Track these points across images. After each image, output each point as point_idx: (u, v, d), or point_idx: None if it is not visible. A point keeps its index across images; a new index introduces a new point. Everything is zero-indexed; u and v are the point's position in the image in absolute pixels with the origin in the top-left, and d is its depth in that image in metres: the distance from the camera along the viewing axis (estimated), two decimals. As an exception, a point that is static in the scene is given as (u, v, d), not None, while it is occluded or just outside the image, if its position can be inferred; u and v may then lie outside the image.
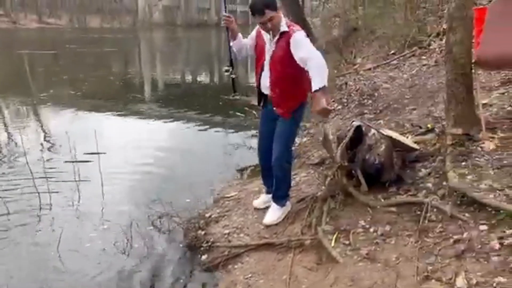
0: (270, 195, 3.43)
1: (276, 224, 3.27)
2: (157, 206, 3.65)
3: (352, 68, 7.58)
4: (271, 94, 3.07)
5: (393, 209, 2.86)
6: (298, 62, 2.78)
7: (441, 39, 6.68)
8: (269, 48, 2.99)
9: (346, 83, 6.54)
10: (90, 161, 4.89)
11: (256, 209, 3.56)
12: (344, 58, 8.50)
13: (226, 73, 3.29)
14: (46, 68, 14.76)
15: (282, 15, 2.90)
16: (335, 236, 2.85)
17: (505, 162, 2.81)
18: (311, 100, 2.71)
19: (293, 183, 3.54)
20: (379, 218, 2.85)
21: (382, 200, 2.98)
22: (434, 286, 2.18)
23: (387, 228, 2.74)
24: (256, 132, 6.54)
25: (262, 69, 3.08)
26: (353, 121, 3.19)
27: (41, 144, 5.79)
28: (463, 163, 2.87)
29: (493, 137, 3.03)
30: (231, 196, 3.99)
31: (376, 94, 5.67)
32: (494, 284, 2.03)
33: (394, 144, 3.05)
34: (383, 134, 3.04)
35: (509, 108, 3.58)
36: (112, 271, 3.03)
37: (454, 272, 2.20)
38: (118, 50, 21.50)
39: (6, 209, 3.84)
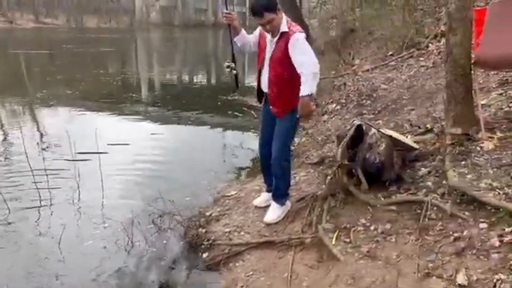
0: (271, 194, 3.45)
1: (277, 223, 3.29)
2: (157, 205, 3.65)
3: (350, 69, 7.62)
4: (268, 92, 3.11)
5: (394, 207, 2.88)
6: (294, 63, 2.83)
7: (438, 41, 6.74)
8: (269, 48, 3.02)
9: (344, 84, 6.58)
10: (90, 160, 4.88)
11: (256, 207, 3.58)
12: (342, 58, 8.54)
13: (227, 69, 3.28)
14: (43, 68, 14.70)
15: (283, 16, 2.92)
16: (335, 234, 2.87)
17: (503, 161, 2.84)
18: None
19: (292, 182, 3.56)
20: (379, 216, 2.88)
21: (383, 199, 3.01)
22: (435, 283, 2.21)
23: (388, 226, 2.76)
24: (255, 132, 6.60)
25: (262, 67, 3.12)
26: (353, 120, 3.21)
27: (41, 143, 5.78)
28: (463, 163, 2.90)
29: (492, 137, 3.06)
30: (231, 195, 4.00)
31: (374, 94, 5.71)
32: (494, 281, 2.05)
33: (394, 143, 3.08)
34: (383, 133, 3.06)
35: (507, 109, 3.61)
36: (114, 269, 3.04)
37: (454, 269, 2.22)
38: (116, 50, 21.46)
39: (7, 207, 3.84)
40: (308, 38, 3.00)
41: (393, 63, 6.99)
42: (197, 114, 8.02)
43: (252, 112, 7.86)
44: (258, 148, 3.52)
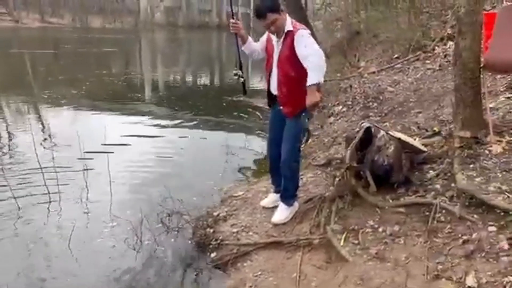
0: (278, 195, 3.48)
1: (284, 223, 3.31)
2: (165, 204, 3.68)
3: (356, 71, 7.62)
4: (278, 93, 3.14)
5: (402, 209, 2.90)
6: (300, 58, 2.86)
7: (445, 44, 6.74)
8: (276, 50, 3.06)
9: (350, 86, 6.58)
10: (98, 159, 4.92)
11: (264, 208, 3.60)
12: (348, 61, 8.55)
13: (235, 77, 3.35)
14: (48, 67, 14.79)
15: (286, 17, 2.97)
16: (344, 235, 2.89)
17: (512, 165, 2.85)
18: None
19: (300, 183, 3.58)
20: (387, 218, 2.89)
21: (391, 201, 3.02)
22: (444, 285, 2.22)
23: (396, 228, 2.78)
24: (260, 133, 6.62)
25: (271, 71, 3.15)
26: (362, 123, 3.23)
27: (48, 142, 5.82)
28: (471, 166, 2.92)
29: (500, 141, 3.07)
30: (238, 196, 4.02)
31: (381, 97, 5.71)
32: (504, 283, 2.07)
33: (403, 145, 3.09)
34: (392, 136, 3.08)
35: (515, 113, 3.62)
36: (123, 268, 3.07)
37: (464, 272, 2.24)
38: (120, 50, 21.55)
39: (17, 204, 3.88)
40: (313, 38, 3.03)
41: (399, 65, 6.99)
42: (203, 115, 8.05)
43: (258, 113, 7.90)
44: (266, 149, 3.54)
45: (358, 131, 3.16)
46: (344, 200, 3.18)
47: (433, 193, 2.91)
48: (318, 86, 2.79)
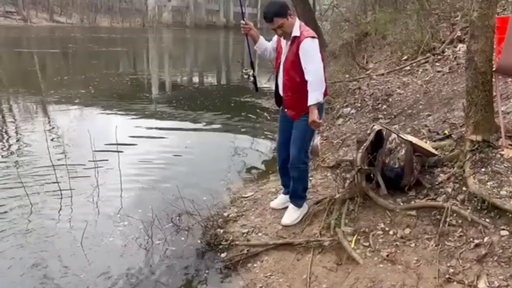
0: (288, 196, 3.50)
1: (294, 225, 3.33)
2: (175, 204, 3.71)
3: (364, 73, 7.61)
4: (284, 96, 3.18)
5: (413, 212, 2.90)
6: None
7: (455, 46, 6.71)
8: (284, 51, 3.09)
9: (359, 88, 6.57)
10: (108, 158, 4.96)
11: (273, 209, 3.62)
12: (356, 62, 8.53)
13: (245, 76, 3.40)
14: (57, 67, 14.91)
15: (295, 20, 2.99)
16: (354, 237, 2.90)
17: (524, 169, 2.85)
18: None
19: (309, 185, 3.60)
20: (398, 221, 2.90)
21: (401, 204, 3.03)
22: (456, 289, 2.23)
23: (407, 231, 2.79)
24: (268, 134, 6.64)
25: (278, 72, 3.19)
26: (373, 125, 3.24)
27: (60, 141, 5.87)
28: (483, 170, 2.91)
29: (512, 145, 3.06)
30: (248, 196, 4.05)
31: (390, 99, 5.71)
32: (516, 288, 2.07)
33: (414, 148, 3.09)
34: (403, 139, 3.08)
35: (526, 117, 3.60)
36: (134, 267, 3.10)
37: (475, 275, 2.25)
38: (128, 50, 21.68)
39: (29, 202, 3.93)
40: (321, 40, 3.05)
41: (408, 67, 6.97)
42: (211, 115, 8.08)
43: (265, 114, 7.91)
44: (276, 150, 3.56)
45: (369, 134, 3.16)
46: (355, 202, 3.20)
47: (444, 196, 2.92)
48: (318, 105, 2.89)
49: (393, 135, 3.07)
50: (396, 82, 6.40)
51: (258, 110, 8.24)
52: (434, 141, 3.71)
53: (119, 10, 47.45)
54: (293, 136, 3.18)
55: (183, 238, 3.44)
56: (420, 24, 7.89)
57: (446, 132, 3.76)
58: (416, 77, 6.37)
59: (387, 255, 2.64)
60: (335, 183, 3.62)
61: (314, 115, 2.87)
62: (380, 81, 6.59)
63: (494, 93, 3.25)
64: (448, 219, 2.68)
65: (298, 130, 3.14)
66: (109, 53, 19.46)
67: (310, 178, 3.89)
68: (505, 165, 2.88)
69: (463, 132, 3.36)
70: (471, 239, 2.50)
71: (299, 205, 3.39)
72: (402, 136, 3.12)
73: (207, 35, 36.16)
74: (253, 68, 3.39)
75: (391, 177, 3.09)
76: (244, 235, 3.36)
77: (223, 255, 3.21)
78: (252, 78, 3.38)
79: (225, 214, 3.71)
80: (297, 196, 3.39)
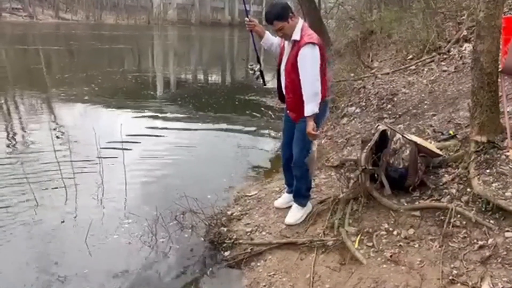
0: (291, 195, 3.50)
1: (298, 224, 3.34)
2: (179, 202, 3.72)
3: (369, 72, 7.58)
4: (286, 97, 3.19)
5: (417, 213, 2.90)
6: None
7: (461, 46, 6.66)
8: (286, 52, 3.09)
9: (364, 87, 6.55)
10: (113, 155, 4.98)
11: (277, 208, 3.62)
12: (361, 61, 8.50)
13: (251, 72, 3.40)
14: (62, 64, 14.96)
15: (296, 23, 2.97)
16: (358, 238, 2.90)
17: (529, 171, 2.83)
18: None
19: (313, 184, 3.60)
20: (402, 221, 2.90)
21: (405, 204, 3.03)
22: (459, 290, 2.23)
23: (411, 231, 2.79)
24: (272, 133, 6.64)
25: (280, 69, 3.20)
26: (378, 125, 3.23)
27: (65, 138, 5.90)
28: (488, 171, 2.90)
29: (517, 146, 3.05)
30: (252, 195, 4.06)
31: (395, 98, 5.69)
32: (520, 290, 2.07)
33: (419, 149, 3.09)
34: (408, 139, 3.08)
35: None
36: (138, 265, 3.12)
37: (479, 277, 2.24)
38: (133, 47, 21.72)
39: (34, 199, 3.96)
40: (325, 38, 3.04)
41: (413, 67, 6.93)
42: (216, 114, 8.09)
43: (270, 112, 7.92)
44: (280, 149, 3.57)
45: (373, 134, 3.16)
46: (359, 202, 3.19)
47: (448, 197, 2.91)
48: (314, 116, 2.93)
49: (398, 135, 3.06)
50: (401, 81, 6.37)
51: (262, 109, 8.25)
52: (439, 141, 3.70)
53: (125, 7, 47.52)
54: (295, 137, 3.21)
55: (186, 236, 3.46)
56: (425, 23, 7.84)
57: (451, 132, 3.74)
58: (422, 76, 6.33)
59: (391, 256, 2.64)
60: (339, 182, 3.62)
61: (309, 127, 2.92)
62: (385, 80, 6.57)
63: (500, 94, 3.24)
64: (452, 220, 2.67)
65: (299, 131, 3.15)
66: (114, 50, 19.49)
67: (314, 178, 3.89)
68: (510, 167, 2.86)
69: (468, 133, 3.34)
70: (475, 241, 2.50)
71: (302, 205, 3.40)
72: (406, 136, 3.11)
73: (212, 32, 36.13)
74: (259, 62, 3.39)
75: (395, 177, 3.08)
76: (248, 234, 3.37)
77: (226, 253, 3.22)
78: (258, 73, 3.39)
79: (229, 212, 3.72)
80: (300, 195, 3.39)
